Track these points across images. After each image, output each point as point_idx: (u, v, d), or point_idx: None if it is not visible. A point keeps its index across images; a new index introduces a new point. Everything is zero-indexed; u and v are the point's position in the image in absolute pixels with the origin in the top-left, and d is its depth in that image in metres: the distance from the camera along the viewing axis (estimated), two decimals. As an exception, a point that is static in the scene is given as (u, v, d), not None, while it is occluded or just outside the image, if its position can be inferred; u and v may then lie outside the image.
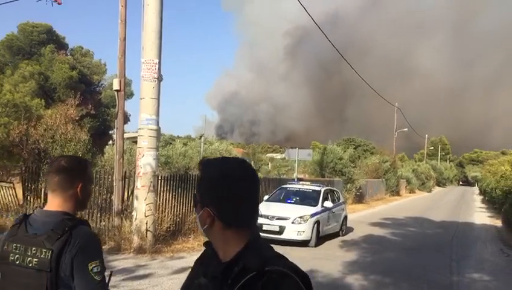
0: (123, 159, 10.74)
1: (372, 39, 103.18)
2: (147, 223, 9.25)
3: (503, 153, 46.65)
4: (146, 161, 9.34)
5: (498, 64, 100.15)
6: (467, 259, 11.26)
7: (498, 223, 19.61)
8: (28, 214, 2.00)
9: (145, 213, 9.26)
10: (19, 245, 1.86)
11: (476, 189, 57.46)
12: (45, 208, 1.96)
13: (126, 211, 10.29)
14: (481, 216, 23.81)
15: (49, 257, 1.81)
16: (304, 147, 22.97)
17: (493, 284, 8.72)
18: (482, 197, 40.30)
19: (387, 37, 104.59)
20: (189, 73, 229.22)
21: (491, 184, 28.82)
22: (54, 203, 1.95)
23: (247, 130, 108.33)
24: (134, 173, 10.02)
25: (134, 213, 9.52)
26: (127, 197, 10.70)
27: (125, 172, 10.75)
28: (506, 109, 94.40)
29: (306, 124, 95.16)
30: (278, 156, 50.25)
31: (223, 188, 1.34)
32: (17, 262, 1.85)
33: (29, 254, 1.83)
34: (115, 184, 10.35)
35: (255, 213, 1.40)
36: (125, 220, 9.94)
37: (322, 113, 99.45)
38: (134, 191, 9.77)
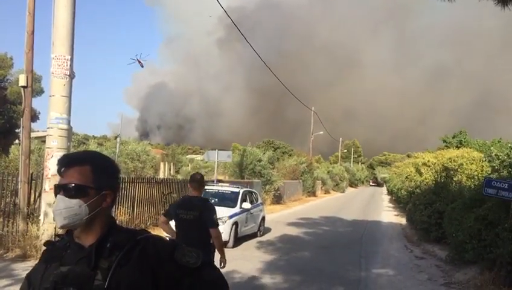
0: (29, 159, 10.05)
1: (316, 30, 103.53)
2: (55, 228, 8.72)
3: (408, 156, 50.30)
4: (55, 162, 8.79)
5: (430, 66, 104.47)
6: (375, 255, 12.00)
7: (403, 221, 21.05)
8: (185, 196, 5.29)
9: (54, 217, 8.72)
10: (183, 210, 4.79)
11: (384, 189, 61.16)
12: (190, 195, 4.97)
13: (33, 215, 9.63)
14: (388, 215, 25.46)
15: (198, 214, 4.71)
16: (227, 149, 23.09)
17: (397, 279, 9.36)
18: (389, 197, 43.05)
19: (331, 30, 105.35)
20: (107, 69, 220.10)
21: (397, 185, 30.86)
22: (195, 193, 4.94)
23: (174, 131, 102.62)
24: (43, 175, 9.42)
25: (42, 217, 8.95)
26: (34, 201, 10.01)
27: (32, 174, 10.06)
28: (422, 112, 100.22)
29: (241, 127, 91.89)
30: (198, 157, 49.92)
31: (117, 171, 1.60)
32: (185, 217, 4.75)
33: (189, 213, 4.73)
34: (20, 186, 9.65)
35: None
36: (32, 224, 9.30)
37: (259, 115, 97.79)
38: (42, 194, 9.19)
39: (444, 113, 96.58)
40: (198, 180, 4.97)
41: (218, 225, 4.95)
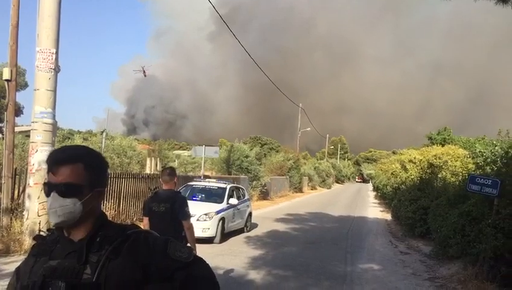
0: (13, 154, 9.90)
1: (313, 24, 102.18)
2: (40, 223, 8.62)
3: (394, 153, 50.74)
4: (40, 156, 8.69)
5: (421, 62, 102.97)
6: (360, 251, 12.09)
7: (388, 217, 21.28)
8: (157, 191, 5.23)
9: (38, 212, 8.63)
10: (156, 203, 4.92)
11: (370, 186, 61.52)
12: (163, 188, 5.14)
13: (17, 210, 9.51)
14: (374, 211, 25.67)
15: (169, 206, 4.85)
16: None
17: (382, 273, 9.45)
18: (375, 193, 43.35)
19: (329, 23, 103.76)
20: (94, 63, 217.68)
21: (383, 181, 31.08)
22: (166, 186, 5.09)
23: (164, 127, 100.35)
24: (27, 170, 9.30)
25: (25, 213, 8.84)
26: (18, 196, 9.88)
27: (16, 168, 9.92)
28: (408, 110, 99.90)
29: (233, 123, 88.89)
30: (186, 153, 49.69)
31: (107, 167, 1.60)
32: (156, 210, 4.88)
33: (161, 205, 4.87)
34: (3, 181, 9.51)
35: None
36: (16, 220, 9.19)
37: (251, 110, 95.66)
38: (26, 189, 9.07)
39: (439, 109, 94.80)
40: (168, 173, 5.16)
41: (190, 216, 5.07)
